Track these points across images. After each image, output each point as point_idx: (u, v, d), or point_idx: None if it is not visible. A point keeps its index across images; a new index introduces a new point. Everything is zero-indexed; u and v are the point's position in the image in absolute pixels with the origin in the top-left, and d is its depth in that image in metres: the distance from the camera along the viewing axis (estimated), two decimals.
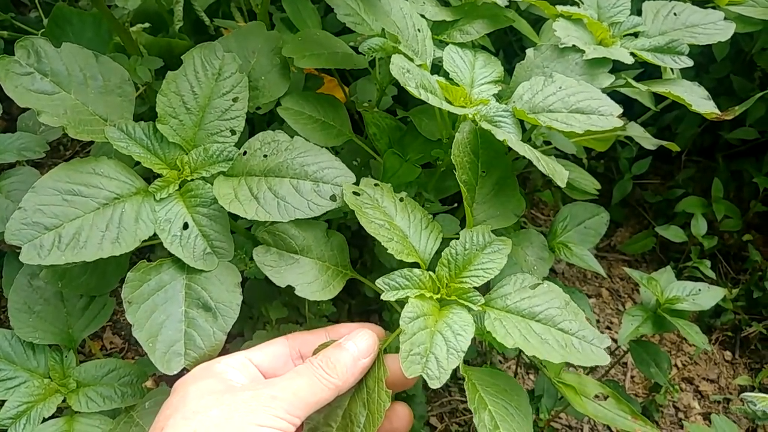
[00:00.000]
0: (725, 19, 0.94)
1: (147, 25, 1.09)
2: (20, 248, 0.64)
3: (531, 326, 0.65)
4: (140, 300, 0.66)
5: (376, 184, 0.73)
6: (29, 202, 0.65)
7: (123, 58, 0.99)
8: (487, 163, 0.76)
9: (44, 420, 0.76)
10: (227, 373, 0.61)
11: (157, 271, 0.68)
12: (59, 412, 0.78)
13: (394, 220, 0.71)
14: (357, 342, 0.64)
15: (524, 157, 0.70)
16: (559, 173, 0.71)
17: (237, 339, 1.03)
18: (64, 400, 0.78)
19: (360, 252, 1.12)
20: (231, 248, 0.70)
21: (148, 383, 0.82)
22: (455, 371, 0.64)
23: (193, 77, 0.75)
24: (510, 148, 0.71)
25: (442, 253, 0.70)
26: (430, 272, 0.69)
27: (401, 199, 0.73)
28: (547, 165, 0.70)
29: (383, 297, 0.65)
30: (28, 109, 0.97)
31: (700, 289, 1.13)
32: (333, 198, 0.70)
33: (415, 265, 0.69)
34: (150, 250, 1.25)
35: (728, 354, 1.57)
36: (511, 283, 0.69)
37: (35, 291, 0.80)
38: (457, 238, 0.71)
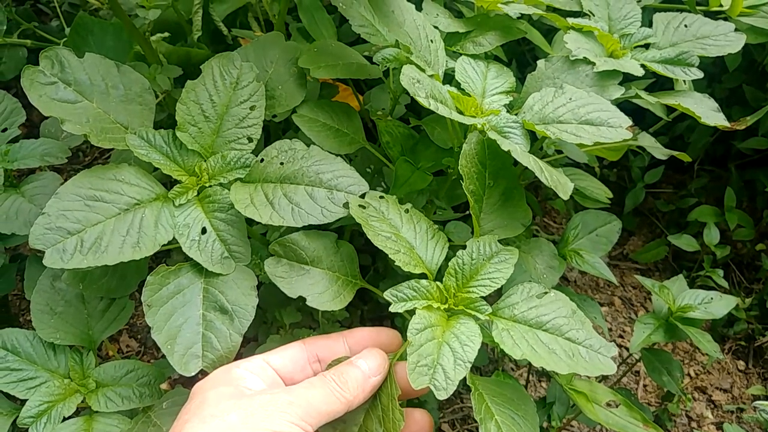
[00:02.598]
0: (736, 30, 0.94)
1: (166, 34, 1.11)
2: (43, 252, 0.66)
3: (538, 336, 0.65)
4: (159, 303, 0.68)
5: (381, 197, 0.74)
6: (53, 207, 0.67)
7: (143, 67, 1.01)
8: (494, 173, 0.76)
9: (64, 419, 0.77)
10: (245, 380, 0.62)
11: (176, 275, 0.70)
12: (78, 411, 0.79)
13: (400, 231, 0.72)
14: (368, 361, 0.66)
15: None
16: (563, 185, 0.71)
17: (251, 343, 1.05)
18: (83, 400, 0.79)
19: (373, 259, 1.14)
20: (248, 252, 0.72)
21: (164, 386, 0.83)
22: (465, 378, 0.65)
23: (211, 86, 0.77)
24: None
25: (449, 263, 0.70)
26: (438, 282, 0.70)
27: (407, 211, 0.74)
28: (550, 177, 0.70)
29: (392, 309, 0.65)
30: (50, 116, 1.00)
31: (712, 298, 1.13)
32: (346, 205, 0.71)
33: (423, 276, 0.69)
34: (166, 255, 1.27)
35: (741, 363, 1.57)
36: (518, 293, 0.69)
37: (57, 293, 0.82)
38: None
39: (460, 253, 0.71)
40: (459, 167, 0.73)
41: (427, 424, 0.70)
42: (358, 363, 0.65)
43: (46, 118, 1.01)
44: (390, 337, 0.70)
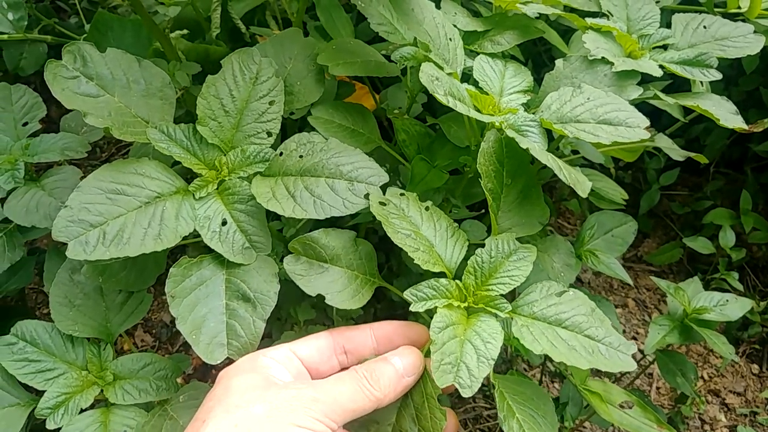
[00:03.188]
0: (755, 32, 0.94)
1: (185, 31, 1.12)
2: (64, 245, 0.66)
3: (558, 333, 0.65)
4: (183, 294, 0.68)
5: (401, 194, 0.74)
6: (75, 200, 0.68)
7: (162, 63, 1.02)
8: (512, 171, 0.76)
9: (81, 411, 0.78)
10: (271, 369, 0.62)
11: (198, 267, 0.70)
12: (95, 404, 0.80)
13: (420, 229, 0.71)
14: (403, 359, 0.64)
15: None
16: (582, 183, 0.71)
17: (264, 339, 1.05)
18: (100, 392, 0.80)
19: (387, 257, 1.14)
20: (268, 242, 0.72)
21: (179, 380, 0.84)
22: None
23: (231, 81, 0.78)
24: (535, 158, 0.72)
25: (468, 262, 0.70)
26: (457, 281, 0.69)
27: (427, 209, 0.73)
28: (569, 175, 0.70)
29: (412, 308, 0.65)
30: (69, 111, 1.01)
31: (727, 300, 1.12)
32: (367, 196, 0.71)
33: (442, 274, 0.69)
34: (182, 252, 1.28)
35: (755, 367, 1.56)
36: (538, 291, 0.69)
37: (76, 285, 0.82)
38: (484, 246, 0.71)
39: (478, 251, 0.70)
40: (477, 165, 0.73)
41: (453, 424, 0.69)
42: (393, 360, 0.64)
43: (66, 113, 1.02)
44: (418, 332, 0.69)
